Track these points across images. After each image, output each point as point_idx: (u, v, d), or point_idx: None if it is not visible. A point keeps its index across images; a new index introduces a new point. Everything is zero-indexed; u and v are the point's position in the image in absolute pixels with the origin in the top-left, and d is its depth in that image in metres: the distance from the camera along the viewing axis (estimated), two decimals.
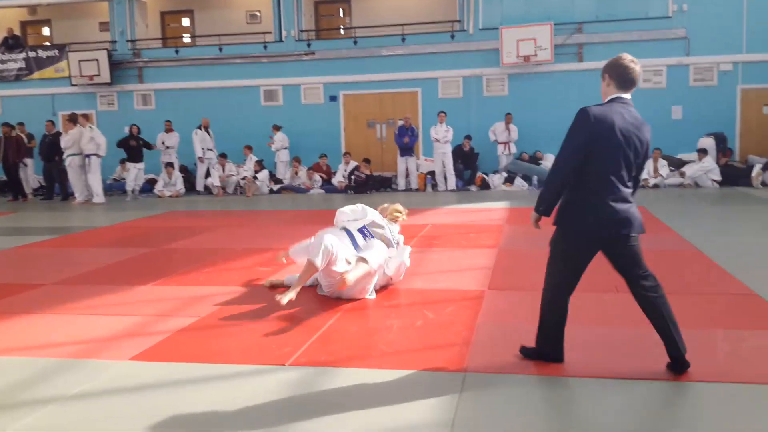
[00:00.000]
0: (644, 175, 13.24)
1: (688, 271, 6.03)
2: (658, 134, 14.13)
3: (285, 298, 4.70)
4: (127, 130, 14.73)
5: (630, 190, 3.48)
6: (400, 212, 5.86)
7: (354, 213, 5.60)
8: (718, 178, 12.84)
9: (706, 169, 12.87)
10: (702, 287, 5.36)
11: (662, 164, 13.37)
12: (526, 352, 3.80)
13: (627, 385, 3.40)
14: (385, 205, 5.92)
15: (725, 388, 3.32)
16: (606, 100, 3.52)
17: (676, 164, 13.68)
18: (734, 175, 12.97)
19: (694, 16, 14.34)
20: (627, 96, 3.50)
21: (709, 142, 13.35)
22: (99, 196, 13.43)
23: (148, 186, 15.13)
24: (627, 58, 3.48)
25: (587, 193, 3.44)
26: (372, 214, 5.52)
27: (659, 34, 14.50)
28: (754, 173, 12.47)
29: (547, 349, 3.72)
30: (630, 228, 3.45)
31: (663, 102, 14.52)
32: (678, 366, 3.47)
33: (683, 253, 6.64)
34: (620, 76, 3.48)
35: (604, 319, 4.57)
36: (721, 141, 13.74)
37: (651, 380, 3.42)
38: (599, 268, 6.03)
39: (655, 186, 13.12)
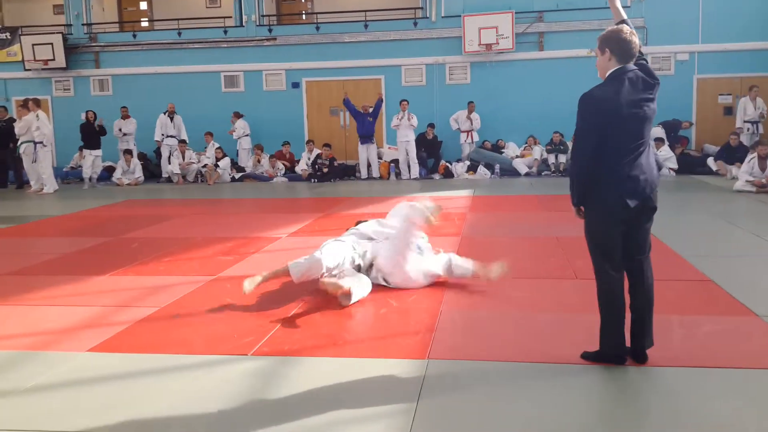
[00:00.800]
0: None
1: None
2: None
3: (249, 285, 4.68)
4: (83, 116, 14.37)
5: (651, 155, 3.48)
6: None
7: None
8: (675, 166, 13.13)
9: (662, 157, 13.12)
10: (659, 274, 5.46)
11: None
12: (587, 356, 3.58)
13: (586, 370, 3.46)
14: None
15: (681, 373, 3.41)
16: (607, 74, 3.47)
17: None
18: (690, 164, 13.27)
19: (652, 6, 14.57)
20: (629, 65, 3.44)
21: (658, 131, 13.61)
22: (49, 185, 13.04)
23: (106, 174, 14.81)
24: (626, 30, 3.45)
25: (609, 170, 3.40)
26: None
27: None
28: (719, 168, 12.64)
29: (608, 349, 3.52)
30: (653, 193, 3.46)
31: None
32: (640, 357, 3.53)
33: None
34: (622, 50, 3.43)
35: (564, 306, 4.64)
36: (672, 129, 14.01)
37: (609, 366, 3.49)
38: (558, 254, 6.13)
39: None
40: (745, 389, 3.20)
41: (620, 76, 3.41)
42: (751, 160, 10.69)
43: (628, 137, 3.40)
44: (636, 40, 3.44)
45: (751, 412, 2.97)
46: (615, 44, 3.43)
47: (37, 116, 13.03)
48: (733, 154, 12.45)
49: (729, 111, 14.58)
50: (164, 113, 14.88)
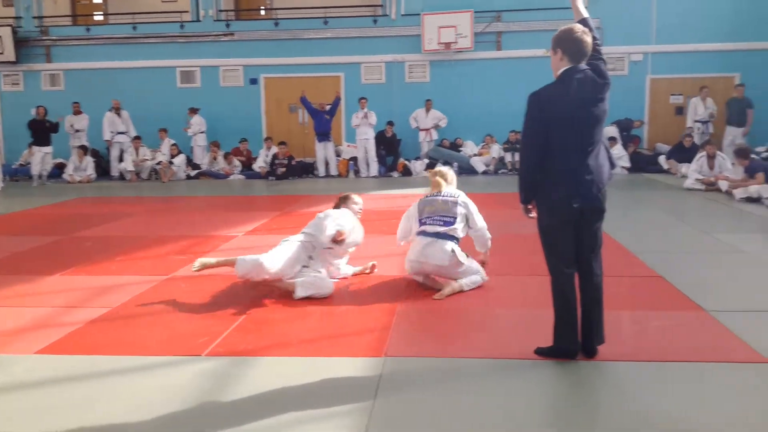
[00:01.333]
0: None
1: None
2: None
3: (198, 264, 4.85)
4: (33, 112, 13.96)
5: (597, 155, 3.47)
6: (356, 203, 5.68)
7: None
8: (627, 164, 13.41)
9: (616, 156, 13.39)
10: (610, 270, 5.57)
11: None
12: (541, 351, 3.62)
13: (540, 366, 3.51)
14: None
15: (632, 367, 3.48)
16: (558, 73, 3.49)
17: None
18: (642, 162, 13.57)
19: (608, 7, 14.83)
20: (581, 65, 3.45)
21: (611, 130, 13.89)
22: None
23: (57, 171, 14.42)
24: (579, 29, 3.45)
25: (556, 168, 3.45)
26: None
27: (574, 23, 14.92)
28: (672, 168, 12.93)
29: (561, 345, 3.56)
30: (601, 195, 3.49)
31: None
32: (589, 353, 3.59)
33: None
34: (573, 50, 3.45)
35: (520, 302, 4.70)
36: (624, 128, 14.30)
37: (563, 361, 3.55)
38: (514, 251, 6.20)
39: None
40: (693, 382, 3.28)
41: (569, 76, 3.42)
42: (700, 158, 10.99)
43: (575, 137, 3.42)
44: (588, 39, 3.44)
45: (700, 405, 3.05)
46: (566, 44, 3.45)
47: None
48: (685, 153, 12.78)
49: (680, 111, 14.96)
50: (110, 110, 14.56)
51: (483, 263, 5.19)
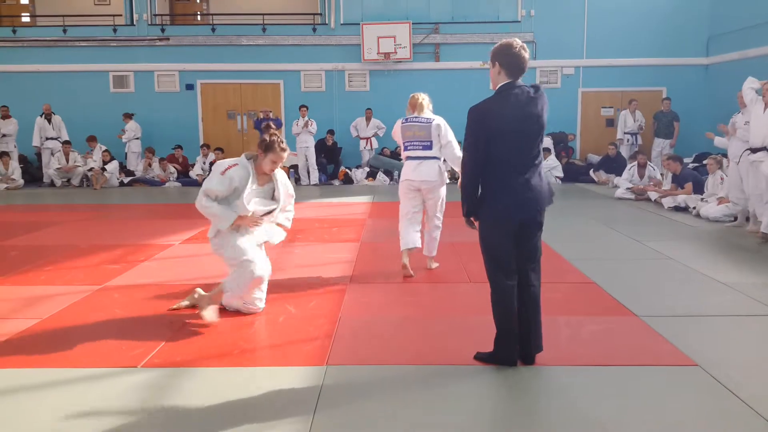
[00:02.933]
0: None
1: None
2: None
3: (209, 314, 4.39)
4: None
5: (534, 168, 3.54)
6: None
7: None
8: (561, 174, 13.79)
9: (550, 166, 13.74)
10: (545, 276, 5.71)
11: None
12: (480, 357, 3.69)
13: (479, 371, 3.56)
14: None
15: (568, 371, 3.57)
16: (497, 88, 3.55)
17: None
18: (575, 172, 13.99)
19: (541, 22, 15.29)
20: (518, 81, 3.51)
21: (546, 141, 14.29)
22: None
23: None
24: (518, 44, 3.50)
25: (497, 181, 3.52)
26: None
27: (509, 37, 15.26)
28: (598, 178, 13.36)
29: (501, 353, 3.62)
30: (540, 212, 3.59)
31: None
32: (527, 359, 3.66)
33: None
34: (511, 64, 3.50)
35: (459, 309, 4.75)
36: (559, 141, 14.74)
37: (501, 367, 3.61)
38: (452, 259, 6.28)
39: None
40: (625, 385, 3.39)
41: (507, 91, 3.49)
42: (631, 168, 11.44)
43: (514, 152, 3.49)
44: (527, 55, 3.51)
45: (632, 407, 3.15)
46: (505, 58, 3.49)
47: None
48: (612, 164, 13.27)
49: (611, 123, 15.50)
50: (40, 116, 14.05)
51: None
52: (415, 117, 5.87)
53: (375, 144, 14.97)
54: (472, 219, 3.64)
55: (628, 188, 10.99)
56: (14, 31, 15.67)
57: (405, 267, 5.67)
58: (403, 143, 5.83)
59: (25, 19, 17.28)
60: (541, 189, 3.56)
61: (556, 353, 3.80)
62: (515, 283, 3.60)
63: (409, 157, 5.76)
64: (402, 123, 5.89)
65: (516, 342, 3.61)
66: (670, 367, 3.61)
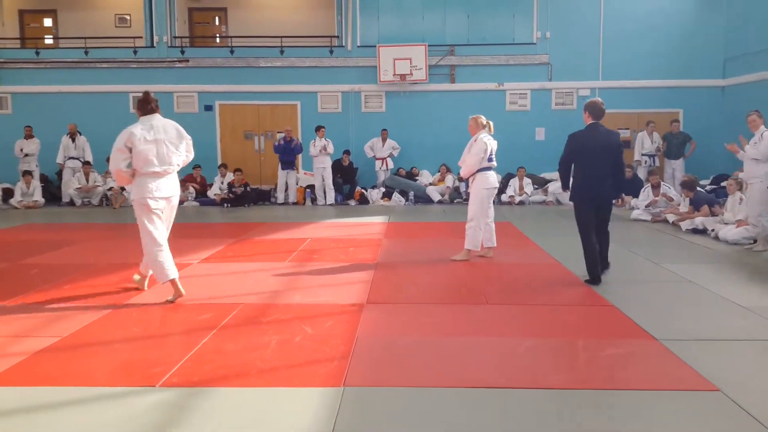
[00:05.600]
0: (510, 192, 13.93)
1: (551, 284, 6.39)
2: (524, 154, 14.91)
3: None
4: None
5: (608, 177, 6.16)
6: None
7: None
8: None
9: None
10: (564, 299, 5.70)
11: (527, 182, 14.13)
12: (586, 281, 6.13)
13: (501, 395, 3.54)
14: None
15: (585, 395, 3.54)
16: (587, 125, 6.33)
17: (540, 182, 14.50)
18: None
19: (557, 44, 15.34)
20: (598, 122, 6.29)
21: None
22: None
23: (2, 196, 13.96)
24: (599, 101, 6.38)
25: (578, 180, 6.22)
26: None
27: (525, 59, 15.38)
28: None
29: (591, 277, 6.11)
30: (606, 198, 6.23)
31: (528, 124, 15.38)
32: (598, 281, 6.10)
33: (546, 266, 7.05)
34: (595, 112, 6.32)
35: (477, 330, 4.74)
36: None
37: (518, 388, 3.59)
38: (470, 280, 6.27)
39: (521, 203, 13.83)
40: (645, 410, 3.36)
41: (591, 128, 6.31)
42: (646, 189, 11.40)
43: (592, 162, 6.16)
44: (603, 107, 6.33)
45: None
46: (591, 109, 6.34)
47: None
48: (628, 185, 13.19)
49: (627, 144, 15.43)
50: (66, 135, 14.28)
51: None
52: (491, 135, 7.36)
53: (390, 164, 15.03)
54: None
55: (646, 206, 10.95)
56: (37, 53, 15.98)
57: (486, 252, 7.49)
58: (488, 157, 7.20)
59: (48, 41, 17.60)
60: (605, 190, 6.18)
61: (574, 376, 3.78)
62: (594, 235, 6.16)
63: (491, 168, 7.28)
64: (486, 140, 7.19)
65: (598, 269, 6.10)
66: (691, 392, 3.57)
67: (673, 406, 3.40)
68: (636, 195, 12.05)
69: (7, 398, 3.50)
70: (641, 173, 13.85)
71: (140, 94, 5.84)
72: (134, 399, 3.50)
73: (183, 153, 5.67)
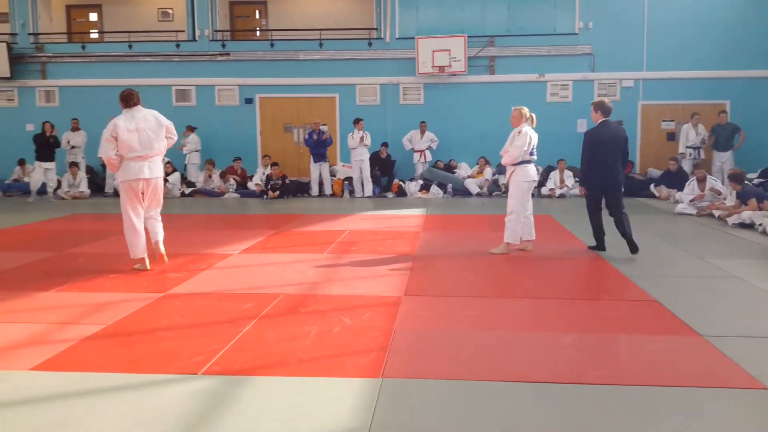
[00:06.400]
0: (551, 185, 13.75)
1: (592, 278, 6.31)
2: (565, 147, 14.70)
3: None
4: (31, 127, 13.90)
5: (617, 165, 7.07)
6: None
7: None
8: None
9: None
10: (605, 294, 5.62)
11: (568, 175, 13.93)
12: (590, 247, 7.38)
13: (537, 389, 3.52)
14: None
15: (626, 391, 3.49)
16: (597, 123, 7.15)
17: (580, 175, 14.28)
18: (635, 186, 13.67)
19: (599, 34, 15.06)
20: (608, 119, 7.13)
21: None
22: None
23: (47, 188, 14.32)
24: (607, 101, 7.20)
25: (595, 168, 7.07)
26: None
27: (566, 50, 15.14)
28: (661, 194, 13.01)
29: (598, 243, 7.28)
30: (616, 185, 7.09)
31: (569, 115, 15.15)
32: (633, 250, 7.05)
33: (587, 260, 6.95)
34: (605, 111, 7.14)
35: (516, 325, 4.70)
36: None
37: (558, 383, 3.55)
38: (508, 274, 6.22)
39: (561, 196, 13.65)
40: (689, 408, 3.29)
41: (603, 125, 7.12)
42: (691, 182, 11.14)
43: (606, 154, 7.05)
44: (611, 105, 7.16)
45: (693, 430, 3.06)
46: (600, 107, 7.15)
47: None
48: (674, 179, 12.91)
49: (672, 136, 15.12)
50: None
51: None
52: (533, 129, 7.36)
53: (429, 157, 14.98)
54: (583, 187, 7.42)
55: (691, 201, 10.70)
56: (83, 47, 16.35)
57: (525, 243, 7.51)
58: (530, 150, 7.21)
59: (94, 35, 17.99)
60: (616, 177, 7.06)
61: (615, 372, 3.72)
62: (600, 214, 7.25)
63: (531, 161, 7.33)
64: (530, 134, 7.21)
65: (601, 238, 7.27)
66: (737, 390, 3.49)
67: (719, 404, 3.32)
68: (681, 188, 11.80)
69: (55, 383, 3.61)
70: (686, 166, 13.53)
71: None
72: (177, 386, 3.57)
73: (164, 138, 6.52)
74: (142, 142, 6.32)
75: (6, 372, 3.76)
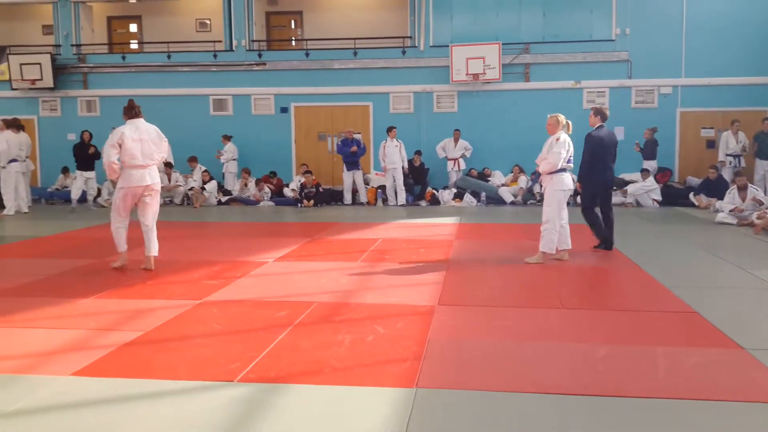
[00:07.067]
0: None
1: (630, 289, 6.20)
2: None
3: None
4: (72, 136, 14.25)
5: (612, 165, 7.79)
6: None
7: None
8: (659, 197, 13.28)
9: (647, 188, 13.28)
10: (643, 305, 5.52)
11: None
12: (596, 246, 7.88)
13: (574, 402, 3.47)
14: None
15: (666, 404, 3.42)
16: (595, 126, 7.76)
17: (618, 183, 14.07)
18: (674, 195, 13.44)
19: (637, 40, 14.86)
20: (604, 123, 7.79)
21: (649, 163, 13.82)
22: (8, 207, 12.65)
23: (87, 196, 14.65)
24: (605, 107, 8.08)
25: (597, 167, 7.63)
26: None
27: (603, 56, 14.98)
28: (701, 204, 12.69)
29: (606, 243, 7.83)
30: (612, 184, 7.93)
31: (606, 123, 14.95)
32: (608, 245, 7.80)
33: (625, 270, 6.84)
34: (603, 116, 7.81)
35: (552, 335, 4.65)
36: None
37: (595, 396, 3.50)
38: (543, 283, 6.16)
39: None
40: (732, 422, 3.21)
41: (600, 129, 7.75)
42: (732, 191, 10.90)
43: (604, 155, 7.65)
44: (608, 113, 7.90)
45: None
46: (598, 113, 7.81)
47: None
48: (713, 187, 12.64)
49: (711, 144, 14.82)
50: None
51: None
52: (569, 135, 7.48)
53: (462, 165, 14.94)
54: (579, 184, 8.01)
55: (730, 211, 10.46)
56: (123, 58, 16.73)
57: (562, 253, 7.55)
58: (567, 158, 7.23)
59: (134, 46, 18.40)
60: (611, 177, 7.85)
61: (654, 385, 3.65)
62: (598, 210, 7.77)
63: (567, 169, 7.28)
64: (568, 142, 7.25)
65: (607, 235, 7.78)
66: None
67: (762, 418, 3.23)
68: (721, 197, 11.55)
69: (94, 389, 3.68)
70: (726, 174, 13.24)
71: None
72: (213, 393, 3.61)
73: (163, 150, 7.06)
74: (144, 152, 6.82)
75: (48, 377, 3.85)
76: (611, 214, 7.77)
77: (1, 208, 12.97)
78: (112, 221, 7.14)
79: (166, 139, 7.14)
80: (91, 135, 13.76)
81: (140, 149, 6.81)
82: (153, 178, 6.98)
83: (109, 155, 6.76)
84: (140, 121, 6.98)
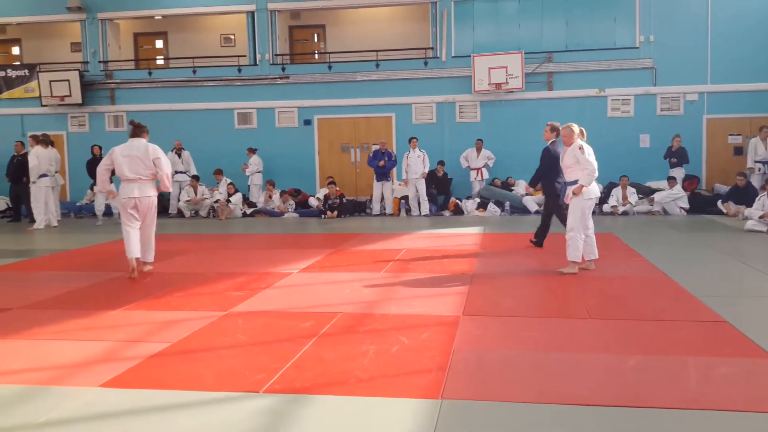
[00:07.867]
0: (613, 202, 13.45)
1: (658, 298, 6.11)
2: (627, 162, 14.40)
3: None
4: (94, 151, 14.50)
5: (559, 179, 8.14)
6: None
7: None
8: (686, 205, 13.11)
9: (674, 196, 13.12)
10: (672, 314, 5.44)
11: (631, 192, 13.61)
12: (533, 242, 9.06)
13: (599, 413, 3.42)
14: None
15: (698, 415, 3.36)
16: (550, 141, 8.52)
17: (645, 192, 13.94)
18: (701, 203, 13.25)
19: (661, 47, 14.74)
20: (557, 138, 8.34)
21: (675, 171, 13.66)
22: (38, 221, 12.91)
23: (110, 209, 14.87)
24: (558, 124, 8.09)
25: (553, 178, 8.45)
26: None
27: (627, 64, 14.88)
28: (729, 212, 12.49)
29: (539, 240, 9.01)
30: (558, 193, 8.26)
31: (631, 130, 14.85)
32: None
33: (653, 279, 6.75)
34: (557, 132, 8.15)
35: (578, 346, 4.60)
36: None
37: (623, 407, 3.45)
38: (569, 293, 6.10)
39: (624, 213, 13.33)
40: None
41: (554, 143, 8.46)
42: (761, 198, 10.71)
43: (557, 168, 8.08)
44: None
45: None
46: (555, 129, 8.33)
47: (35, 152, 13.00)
48: (742, 194, 12.44)
49: (739, 151, 14.61)
50: (171, 151, 15.04)
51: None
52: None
53: (485, 174, 14.91)
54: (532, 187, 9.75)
55: (760, 218, 10.28)
56: (150, 73, 17.02)
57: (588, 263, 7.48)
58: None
59: (159, 61, 18.71)
60: (559, 183, 8.22)
61: (684, 396, 3.59)
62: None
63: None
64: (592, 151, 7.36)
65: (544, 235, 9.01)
66: None
67: None
68: (750, 204, 11.37)
69: (123, 400, 3.72)
70: (755, 181, 13.03)
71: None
72: (239, 404, 3.62)
73: (158, 166, 7.50)
74: (131, 168, 7.42)
75: (77, 388, 3.90)
76: (549, 222, 8.86)
77: (31, 222, 13.24)
78: (122, 226, 7.62)
79: (161, 156, 7.57)
80: (100, 148, 13.97)
81: (128, 165, 7.43)
82: (142, 191, 7.49)
83: (100, 169, 7.63)
84: (137, 140, 7.63)
